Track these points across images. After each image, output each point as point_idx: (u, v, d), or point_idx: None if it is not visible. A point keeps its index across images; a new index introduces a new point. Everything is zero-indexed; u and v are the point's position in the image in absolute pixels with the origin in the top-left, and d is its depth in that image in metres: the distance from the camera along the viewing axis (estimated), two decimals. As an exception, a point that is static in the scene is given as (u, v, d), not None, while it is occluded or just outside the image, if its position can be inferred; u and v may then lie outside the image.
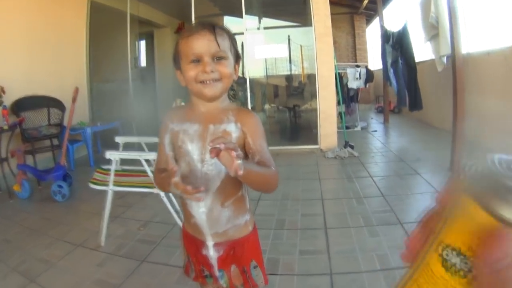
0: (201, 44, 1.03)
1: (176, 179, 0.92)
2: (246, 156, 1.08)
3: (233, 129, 1.09)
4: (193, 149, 1.09)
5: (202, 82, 1.04)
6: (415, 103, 6.75)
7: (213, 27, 1.05)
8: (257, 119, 1.13)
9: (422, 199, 3.24)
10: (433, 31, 5.56)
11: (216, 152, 0.81)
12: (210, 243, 1.13)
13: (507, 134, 4.25)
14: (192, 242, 1.17)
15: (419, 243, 0.29)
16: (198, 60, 1.03)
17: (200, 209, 1.10)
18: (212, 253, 1.13)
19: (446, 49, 5.26)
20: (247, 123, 1.10)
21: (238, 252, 1.14)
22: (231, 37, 1.11)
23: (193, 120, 1.10)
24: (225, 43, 1.06)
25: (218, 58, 1.05)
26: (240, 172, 0.82)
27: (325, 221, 2.89)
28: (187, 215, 1.15)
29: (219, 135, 1.06)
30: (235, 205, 1.13)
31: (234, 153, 0.81)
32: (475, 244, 0.23)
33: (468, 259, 0.24)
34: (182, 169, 1.06)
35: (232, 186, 1.11)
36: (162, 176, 1.06)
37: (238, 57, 1.13)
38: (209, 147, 0.84)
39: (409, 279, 0.29)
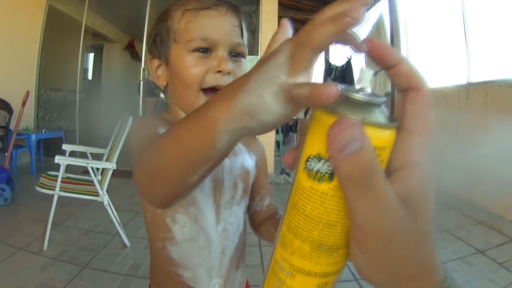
0: (220, 26, 0.67)
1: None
2: (251, 197, 0.81)
3: (250, 164, 0.78)
4: (204, 196, 0.72)
5: (212, 89, 0.65)
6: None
7: (237, 6, 0.70)
8: (263, 147, 0.87)
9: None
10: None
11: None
12: None
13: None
14: None
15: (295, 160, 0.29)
16: (207, 50, 0.66)
17: (213, 280, 0.74)
18: None
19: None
20: (257, 153, 0.82)
21: None
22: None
23: None
24: (246, 34, 0.72)
25: (235, 54, 0.69)
26: None
27: (259, 240, 3.04)
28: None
29: (237, 173, 0.75)
30: (244, 262, 0.83)
31: None
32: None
33: (329, 161, 0.24)
34: (183, 231, 0.72)
35: (245, 238, 0.82)
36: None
37: None
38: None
39: (287, 205, 0.29)
